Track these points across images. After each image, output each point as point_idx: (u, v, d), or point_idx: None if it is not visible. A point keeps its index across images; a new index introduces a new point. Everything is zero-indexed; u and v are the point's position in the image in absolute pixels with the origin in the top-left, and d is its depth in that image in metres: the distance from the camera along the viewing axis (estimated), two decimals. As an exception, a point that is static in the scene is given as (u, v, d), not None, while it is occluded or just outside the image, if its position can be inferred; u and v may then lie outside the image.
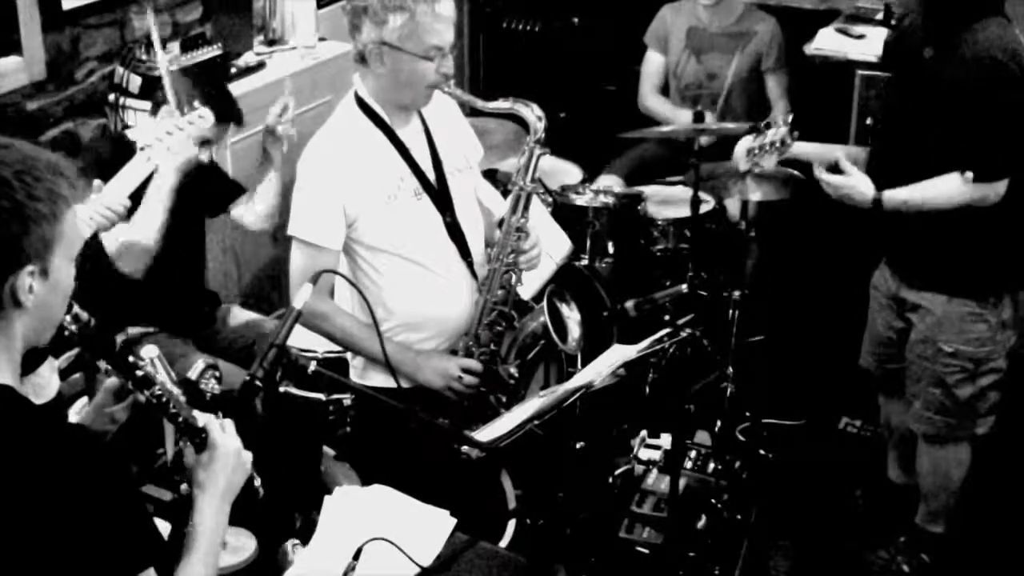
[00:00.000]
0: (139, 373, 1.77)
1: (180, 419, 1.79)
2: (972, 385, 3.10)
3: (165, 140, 2.81)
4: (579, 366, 3.23)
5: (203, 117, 2.88)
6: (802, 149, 3.21)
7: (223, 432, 1.82)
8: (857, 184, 2.97)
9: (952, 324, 3.03)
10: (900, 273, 3.14)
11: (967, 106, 2.80)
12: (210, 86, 3.27)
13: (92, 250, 2.76)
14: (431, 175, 2.87)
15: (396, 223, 2.81)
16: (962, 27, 2.83)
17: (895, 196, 2.93)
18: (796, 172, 3.67)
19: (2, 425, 1.54)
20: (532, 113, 2.84)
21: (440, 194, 2.87)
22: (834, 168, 3.02)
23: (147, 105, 3.45)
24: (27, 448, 1.52)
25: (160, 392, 1.78)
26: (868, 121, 3.22)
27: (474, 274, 2.94)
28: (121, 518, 1.56)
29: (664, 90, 4.62)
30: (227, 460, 1.80)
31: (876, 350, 3.33)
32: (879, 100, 3.81)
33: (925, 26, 2.94)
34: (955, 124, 2.83)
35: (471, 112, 3.11)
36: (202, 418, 1.82)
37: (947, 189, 2.87)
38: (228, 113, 3.26)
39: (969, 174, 2.83)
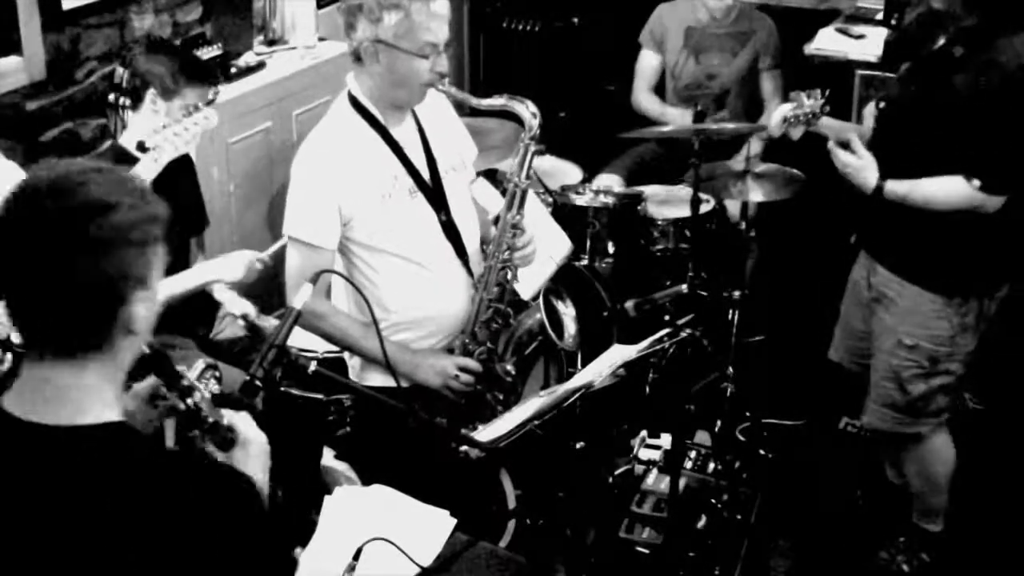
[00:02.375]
0: (184, 383, 1.79)
1: (211, 421, 1.79)
2: (924, 383, 3.08)
3: (172, 140, 2.90)
4: (579, 366, 3.23)
5: (208, 118, 2.98)
6: (822, 122, 3.23)
7: (250, 427, 1.83)
8: (863, 168, 2.97)
9: (915, 316, 3.02)
10: (874, 253, 3.13)
11: (993, 114, 2.78)
12: (183, 58, 3.29)
13: None
14: (425, 174, 2.87)
15: (391, 222, 2.81)
16: (1007, 33, 2.80)
17: (897, 188, 2.93)
18: (796, 171, 3.67)
19: (125, 464, 1.52)
20: (527, 109, 2.83)
21: (435, 193, 2.87)
22: (846, 146, 3.03)
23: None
24: (154, 487, 1.51)
25: (199, 399, 1.80)
26: (881, 104, 3.18)
27: (470, 272, 2.94)
28: (258, 549, 1.58)
29: (659, 90, 4.61)
30: (260, 452, 1.81)
31: (850, 345, 3.33)
32: (885, 88, 3.79)
33: (964, 26, 2.87)
34: (972, 128, 2.81)
35: (471, 112, 3.10)
36: (227, 416, 1.82)
37: (949, 190, 2.86)
38: (211, 75, 3.34)
39: (976, 182, 2.83)
